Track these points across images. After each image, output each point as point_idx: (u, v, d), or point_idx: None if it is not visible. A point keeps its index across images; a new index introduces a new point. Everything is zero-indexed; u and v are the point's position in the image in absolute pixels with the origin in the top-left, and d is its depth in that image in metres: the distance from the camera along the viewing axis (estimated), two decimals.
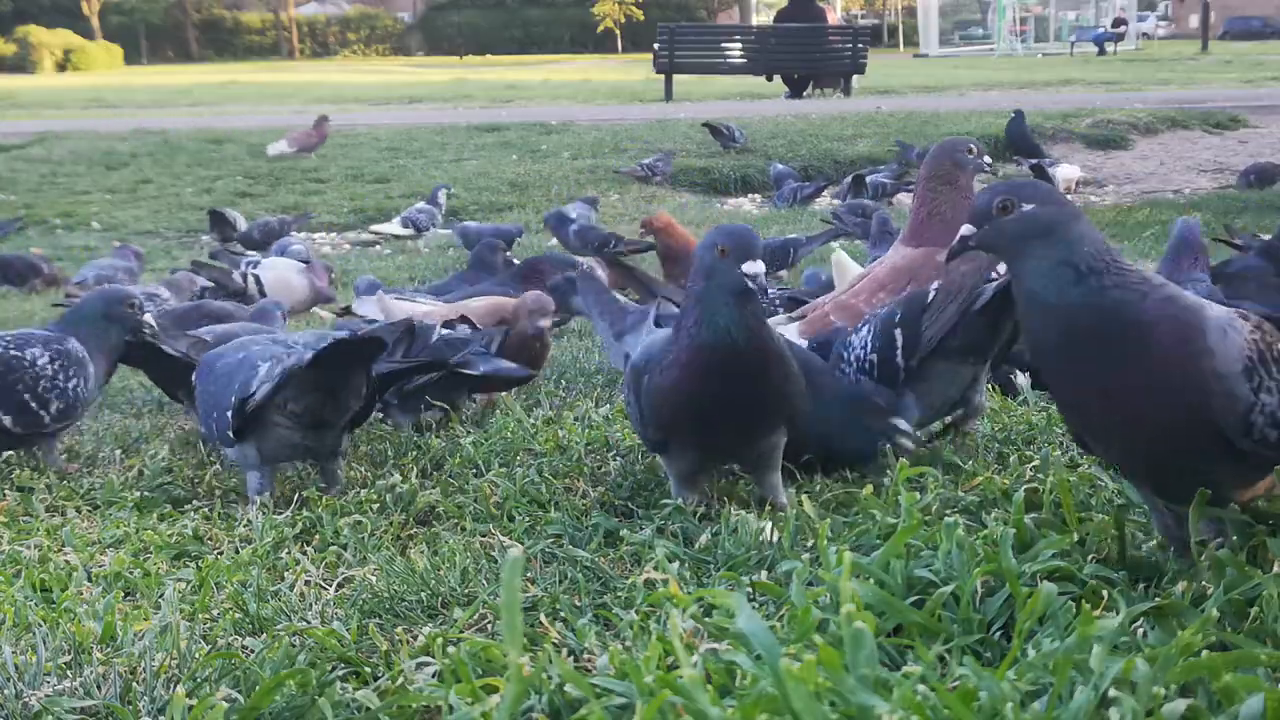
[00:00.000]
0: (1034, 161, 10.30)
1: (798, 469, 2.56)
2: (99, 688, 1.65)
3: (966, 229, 1.72)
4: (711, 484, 2.47)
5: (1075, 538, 1.81)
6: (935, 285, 2.56)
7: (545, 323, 3.32)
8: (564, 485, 2.55)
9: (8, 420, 2.97)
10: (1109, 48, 35.13)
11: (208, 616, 1.96)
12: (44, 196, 11.49)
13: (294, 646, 1.75)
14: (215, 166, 12.71)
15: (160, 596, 2.05)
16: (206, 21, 55.59)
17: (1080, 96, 18.18)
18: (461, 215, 9.87)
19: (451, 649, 1.58)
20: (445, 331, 3.35)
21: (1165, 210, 8.46)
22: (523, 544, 2.20)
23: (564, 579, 2.03)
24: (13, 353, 2.99)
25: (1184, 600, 1.58)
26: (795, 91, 19.50)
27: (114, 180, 12.25)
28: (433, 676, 1.63)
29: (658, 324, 2.92)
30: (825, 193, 10.02)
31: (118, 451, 3.24)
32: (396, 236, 9.09)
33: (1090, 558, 1.77)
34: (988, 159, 3.12)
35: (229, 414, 2.59)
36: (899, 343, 2.52)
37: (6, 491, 2.84)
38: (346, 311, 4.28)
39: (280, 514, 2.52)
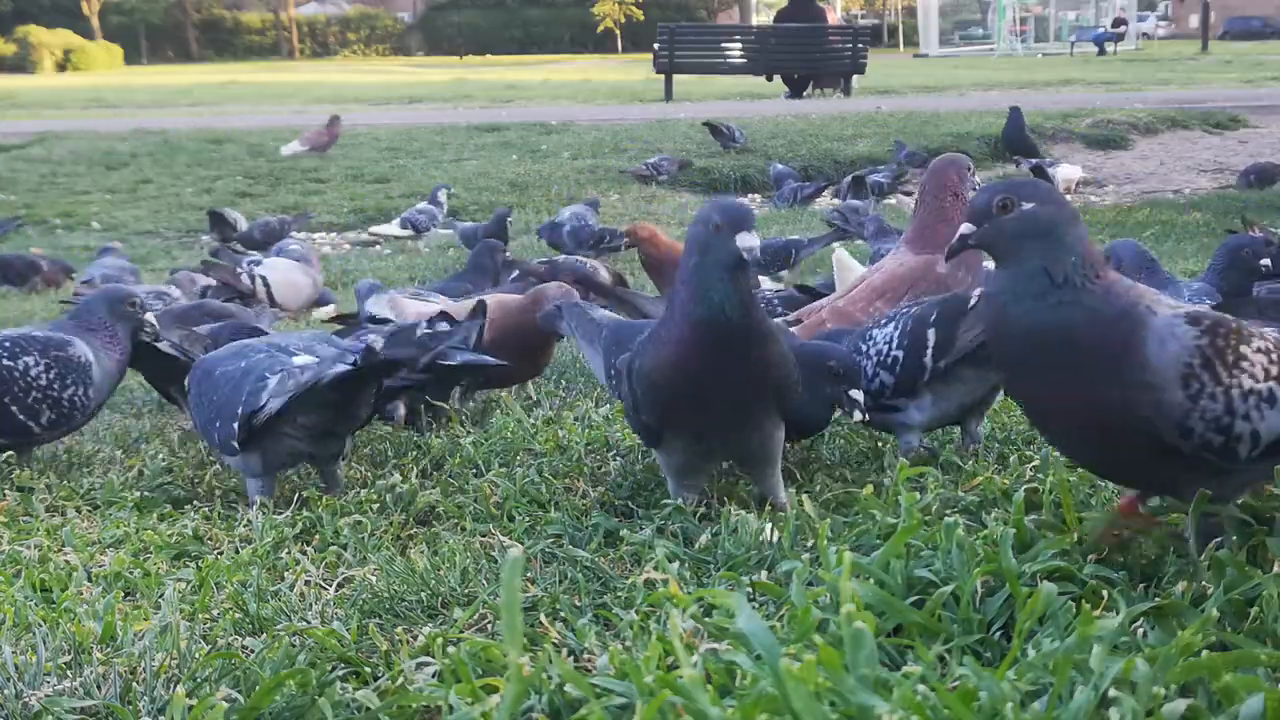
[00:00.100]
0: (1034, 162, 10.31)
1: (798, 469, 2.56)
2: (99, 688, 1.65)
3: (966, 227, 1.73)
4: (711, 484, 2.47)
5: (1075, 538, 1.81)
6: (978, 291, 2.54)
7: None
8: (564, 485, 2.55)
9: None
10: (1109, 48, 35.14)
11: (208, 616, 1.96)
12: (44, 196, 11.49)
13: (294, 646, 1.75)
14: (215, 166, 12.71)
15: (160, 596, 2.05)
16: (206, 21, 55.59)
17: (1080, 96, 18.18)
18: (461, 215, 9.87)
19: (451, 649, 1.58)
20: (426, 329, 3.36)
21: (1165, 210, 8.46)
22: (523, 544, 2.20)
23: (564, 579, 2.03)
24: (5, 363, 2.95)
25: (1184, 600, 1.58)
26: (795, 91, 19.50)
27: (114, 180, 12.25)
28: (433, 676, 1.63)
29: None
30: (825, 193, 10.02)
31: (118, 451, 3.24)
32: (396, 238, 9.10)
33: (1090, 558, 1.77)
34: (979, 180, 3.15)
35: (234, 425, 2.57)
36: (930, 342, 2.47)
37: (6, 491, 2.84)
38: (343, 318, 4.27)
39: (280, 514, 2.52)
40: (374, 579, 2.09)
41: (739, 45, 19.78)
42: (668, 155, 11.46)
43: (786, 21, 20.11)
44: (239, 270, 5.78)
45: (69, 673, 1.70)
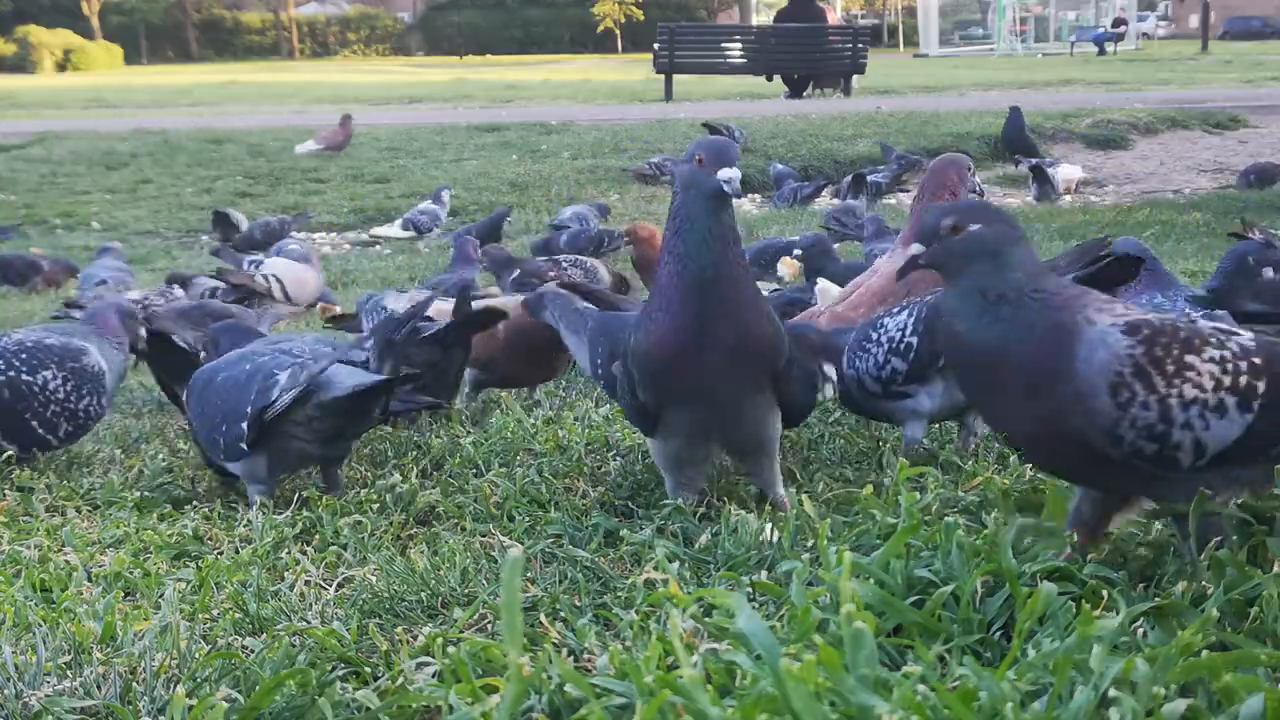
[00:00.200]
0: (1034, 161, 10.31)
1: (798, 469, 2.56)
2: (99, 688, 1.65)
3: (915, 247, 1.76)
4: (711, 484, 2.47)
5: (1075, 538, 1.81)
6: None
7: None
8: (564, 485, 2.55)
9: (13, 449, 2.99)
10: (1109, 48, 35.14)
11: (208, 616, 1.96)
12: (44, 196, 11.50)
13: (294, 646, 1.75)
14: (215, 166, 12.71)
15: (160, 596, 2.05)
16: (206, 21, 55.59)
17: (1080, 96, 18.18)
18: (462, 215, 9.87)
19: (451, 649, 1.58)
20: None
21: (1165, 210, 8.46)
22: (523, 544, 2.20)
23: (564, 579, 2.03)
24: (25, 378, 2.99)
25: (1184, 600, 1.57)
26: (795, 91, 19.50)
27: (114, 180, 12.26)
28: (433, 676, 1.63)
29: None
30: (825, 192, 10.02)
31: (118, 451, 3.24)
32: (397, 240, 9.10)
33: (1090, 558, 1.77)
34: (979, 180, 3.16)
35: (244, 425, 2.56)
36: None
37: (6, 491, 2.84)
38: (339, 318, 4.27)
39: (280, 514, 2.52)
40: (374, 579, 2.09)
41: (739, 45, 19.78)
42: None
43: (786, 21, 20.11)
44: (248, 271, 5.88)
45: (69, 673, 1.70)
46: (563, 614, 1.84)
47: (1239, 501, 1.74)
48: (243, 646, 1.82)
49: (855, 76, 19.21)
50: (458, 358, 3.23)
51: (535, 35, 51.78)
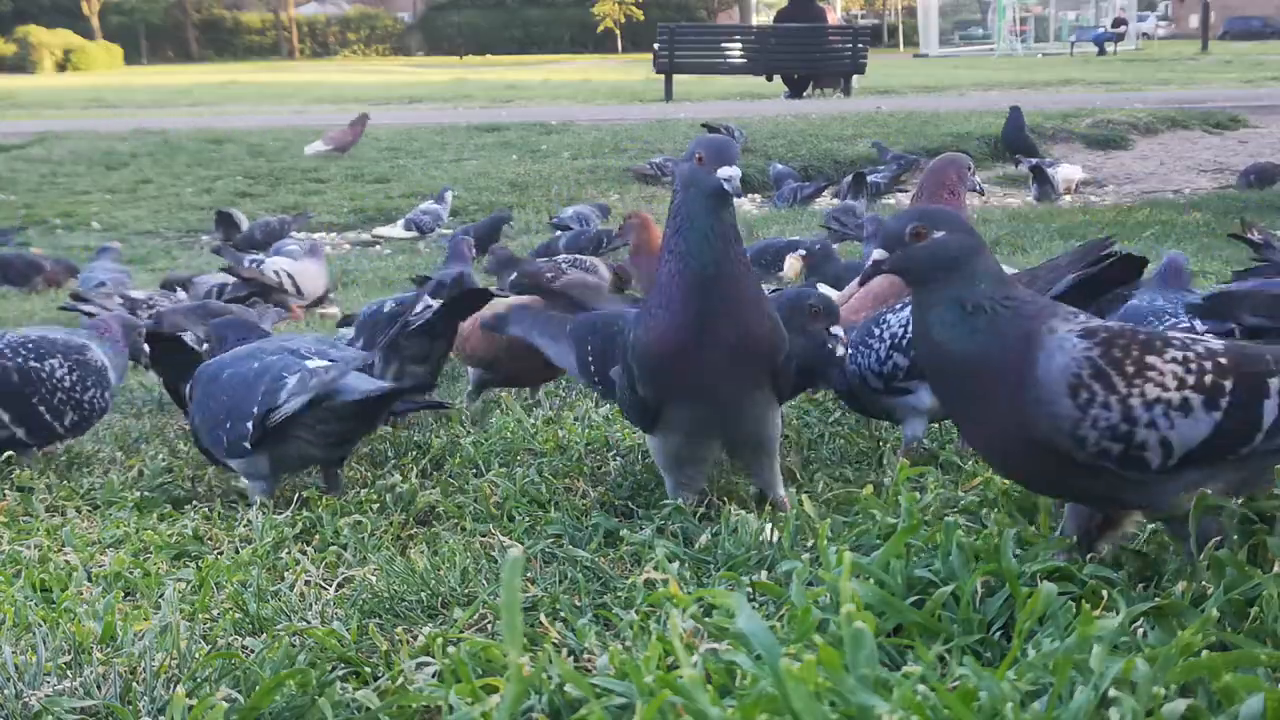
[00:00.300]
0: (1034, 161, 10.31)
1: (798, 469, 2.56)
2: (99, 688, 1.65)
3: (879, 253, 1.76)
4: (711, 484, 2.47)
5: (1075, 538, 1.81)
6: None
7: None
8: (564, 485, 2.55)
9: (21, 433, 3.02)
10: (1109, 48, 35.14)
11: (208, 616, 1.96)
12: (44, 196, 11.49)
13: (294, 646, 1.75)
14: (215, 166, 12.71)
15: (160, 596, 2.05)
16: (206, 21, 55.59)
17: (1080, 96, 18.18)
18: (462, 215, 9.87)
19: (451, 649, 1.58)
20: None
21: (1165, 210, 8.46)
22: (523, 544, 2.20)
23: (564, 579, 2.03)
24: (32, 364, 3.03)
25: (1184, 600, 1.57)
26: (795, 91, 19.50)
27: (114, 180, 12.25)
28: (433, 676, 1.63)
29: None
30: (825, 192, 10.02)
31: (118, 451, 3.24)
32: (399, 240, 9.11)
33: (1090, 558, 1.77)
34: (979, 179, 3.16)
35: (248, 424, 2.56)
36: None
37: (6, 491, 2.84)
38: (350, 320, 4.28)
39: (280, 514, 2.52)
40: (374, 579, 2.09)
41: (739, 45, 19.78)
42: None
43: (786, 21, 20.11)
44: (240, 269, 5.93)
45: (69, 673, 1.70)
46: (563, 614, 1.84)
47: (1239, 501, 1.74)
48: (243, 646, 1.82)
49: (855, 76, 19.21)
50: (440, 348, 3.25)
51: (535, 35, 51.78)
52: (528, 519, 2.35)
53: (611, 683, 1.45)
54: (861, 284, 2.09)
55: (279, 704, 1.56)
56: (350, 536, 2.35)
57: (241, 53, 53.71)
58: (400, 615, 1.95)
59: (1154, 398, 1.62)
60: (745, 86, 21.31)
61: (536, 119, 15.69)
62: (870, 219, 6.18)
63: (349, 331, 3.72)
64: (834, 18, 23.74)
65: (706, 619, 1.63)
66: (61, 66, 43.65)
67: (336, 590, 2.09)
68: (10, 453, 3.06)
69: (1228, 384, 1.63)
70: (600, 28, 50.72)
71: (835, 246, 6.01)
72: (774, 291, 4.30)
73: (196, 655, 1.73)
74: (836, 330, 2.47)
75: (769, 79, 20.21)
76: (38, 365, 3.04)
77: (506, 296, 3.41)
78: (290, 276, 5.84)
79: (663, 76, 19.07)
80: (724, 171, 2.09)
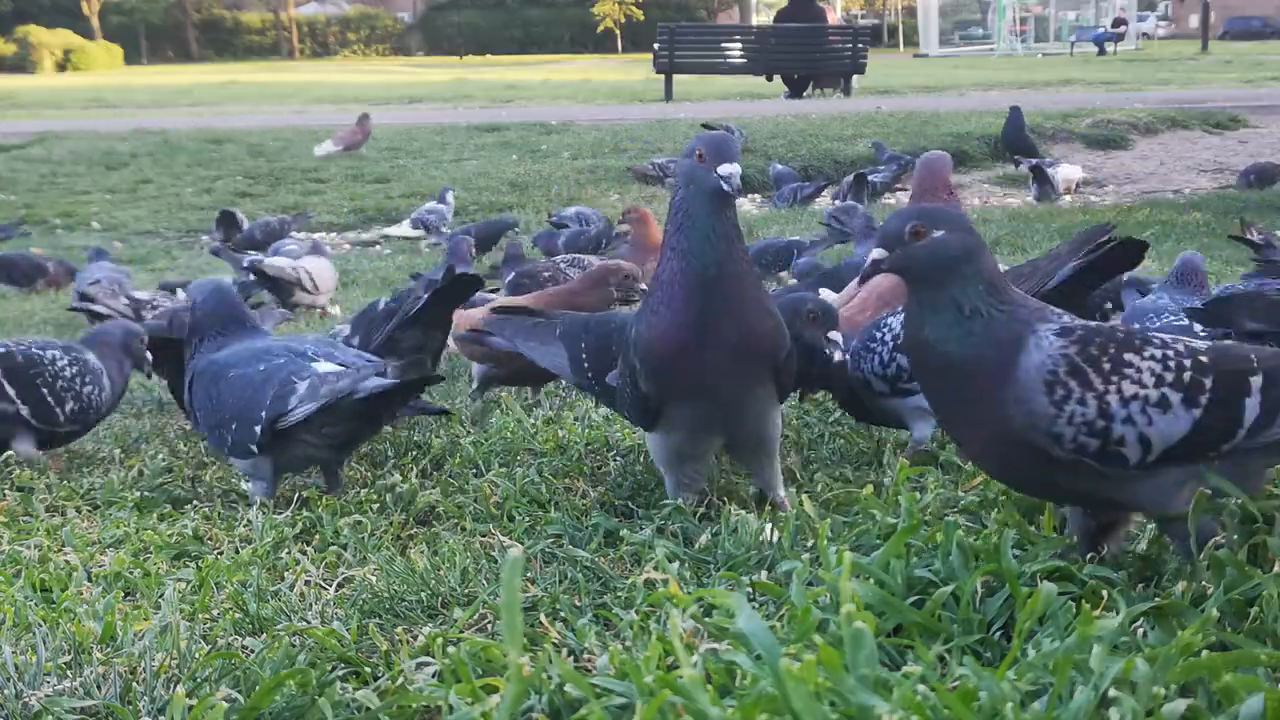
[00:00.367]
0: (1034, 161, 10.31)
1: (798, 469, 2.56)
2: (99, 688, 1.65)
3: (878, 252, 1.75)
4: (711, 484, 2.47)
5: (1075, 538, 1.81)
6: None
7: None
8: (564, 485, 2.55)
9: (25, 410, 3.08)
10: (1109, 48, 35.14)
11: (208, 616, 1.96)
12: (44, 196, 11.50)
13: (294, 646, 1.75)
14: (215, 166, 12.72)
15: (160, 596, 2.05)
16: (206, 21, 55.60)
17: (1080, 96, 18.18)
18: (462, 215, 9.88)
19: (451, 649, 1.58)
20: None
21: (1165, 210, 8.46)
22: (523, 544, 2.20)
23: (564, 579, 2.03)
24: (35, 351, 3.17)
25: (1184, 600, 1.57)
26: (795, 91, 19.50)
27: (114, 180, 12.26)
28: (433, 676, 1.63)
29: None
30: (825, 192, 10.02)
31: (118, 451, 3.24)
32: (407, 238, 9.12)
33: (1090, 557, 1.77)
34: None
35: (256, 428, 2.55)
36: None
37: (6, 491, 2.84)
38: None
39: (280, 514, 2.52)
40: (374, 579, 2.09)
41: (739, 45, 19.79)
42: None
43: (786, 21, 20.12)
44: (239, 269, 5.97)
45: (69, 673, 1.70)
46: (563, 614, 1.84)
47: (1238, 502, 1.74)
48: (243, 646, 1.82)
49: (855, 76, 19.21)
50: (437, 338, 3.25)
51: (535, 35, 51.79)
52: (528, 519, 2.35)
53: (611, 683, 1.45)
54: (861, 283, 2.09)
55: (279, 704, 1.56)
56: (350, 536, 2.35)
57: (241, 53, 53.71)
58: (400, 615, 1.95)
59: (1131, 394, 1.63)
60: (745, 86, 21.31)
61: (536, 119, 15.70)
62: (861, 216, 6.19)
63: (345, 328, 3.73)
64: (834, 18, 23.74)
65: (706, 619, 1.63)
66: (61, 66, 43.66)
67: (336, 590, 2.09)
68: (10, 453, 3.07)
69: (1208, 381, 1.64)
70: (600, 28, 50.72)
71: (836, 245, 6.01)
72: (774, 294, 4.32)
73: (196, 655, 1.73)
74: (835, 336, 2.47)
75: (769, 79, 20.21)
76: (40, 353, 3.17)
77: (498, 289, 3.41)
78: (309, 274, 5.95)
79: (663, 76, 19.07)
80: (724, 169, 2.09)
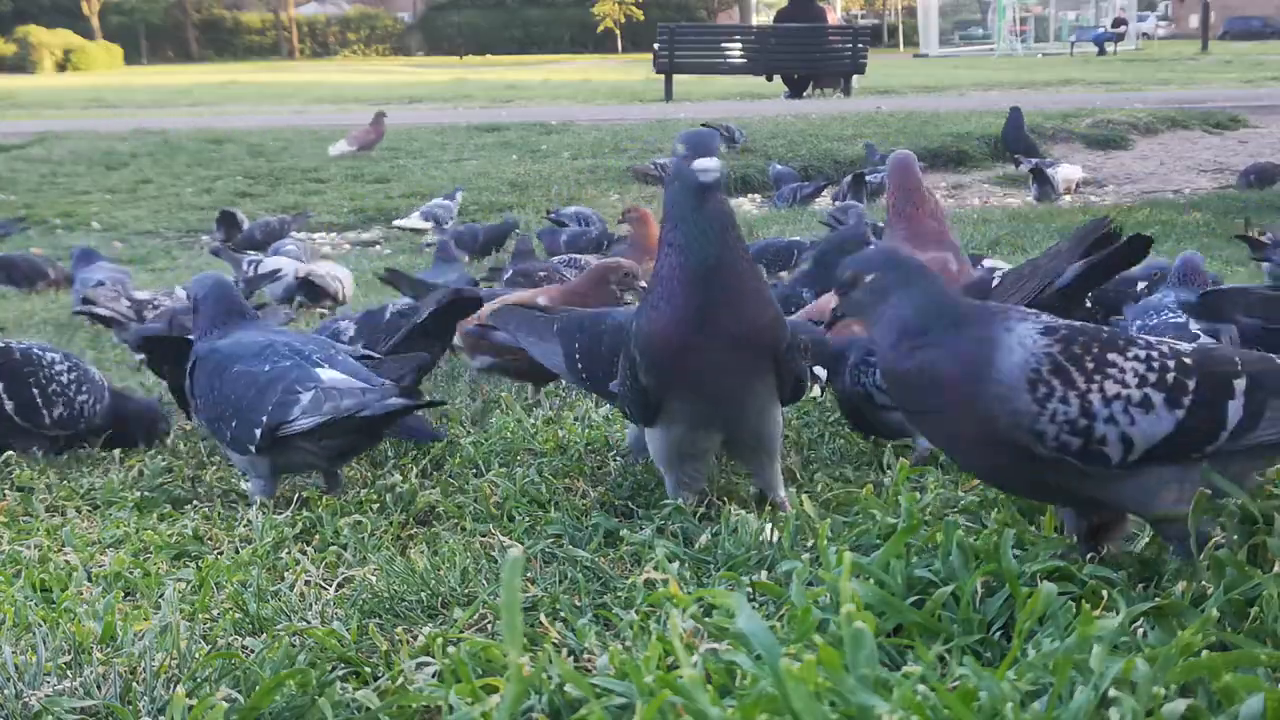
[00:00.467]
0: (1034, 161, 10.31)
1: (798, 469, 2.56)
2: (99, 688, 1.65)
3: (834, 299, 1.88)
4: (711, 484, 2.47)
5: (1074, 538, 1.81)
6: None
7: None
8: (564, 485, 2.55)
9: (10, 406, 3.09)
10: (1109, 48, 35.15)
11: (208, 616, 1.96)
12: (44, 196, 11.49)
13: (294, 646, 1.75)
14: (215, 166, 12.71)
15: (160, 596, 2.05)
16: (206, 21, 55.60)
17: (1080, 96, 18.19)
18: (462, 215, 9.88)
19: (451, 649, 1.58)
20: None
21: (1165, 210, 8.46)
22: (523, 544, 2.20)
23: (564, 579, 2.03)
24: (35, 352, 3.19)
25: (1184, 600, 1.58)
26: (795, 91, 19.51)
27: (114, 180, 12.25)
28: (433, 676, 1.63)
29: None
30: (825, 192, 10.02)
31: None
32: (417, 230, 9.14)
33: (1090, 557, 1.77)
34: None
35: (256, 431, 2.54)
36: None
37: (6, 491, 2.84)
38: None
39: (280, 514, 2.52)
40: (374, 579, 2.09)
41: (739, 45, 19.79)
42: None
43: (786, 21, 20.12)
44: (238, 269, 5.97)
45: (69, 673, 1.70)
46: (563, 614, 1.84)
47: (1239, 502, 1.74)
48: (243, 646, 1.82)
49: (855, 76, 19.22)
50: (436, 349, 3.27)
51: (535, 35, 51.79)
52: (528, 519, 2.35)
53: (611, 683, 1.45)
54: (828, 329, 2.16)
55: (279, 704, 1.56)
56: (350, 536, 2.35)
57: (241, 53, 53.71)
58: (400, 615, 1.95)
59: (1114, 394, 1.65)
60: (745, 86, 21.31)
61: (536, 119, 15.70)
62: (855, 212, 6.19)
63: (349, 325, 3.73)
64: (834, 18, 23.75)
65: (706, 619, 1.63)
66: (61, 66, 43.65)
67: (336, 590, 2.09)
68: (10, 452, 3.07)
69: (1191, 383, 1.66)
70: (600, 28, 50.73)
71: None
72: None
73: (196, 655, 1.73)
74: (819, 372, 2.54)
75: (769, 79, 20.21)
76: (40, 354, 3.19)
77: (497, 297, 3.44)
78: (343, 285, 6.03)
79: (663, 76, 19.07)
80: (700, 164, 2.12)
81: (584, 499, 2.49)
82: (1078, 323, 1.76)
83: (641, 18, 48.19)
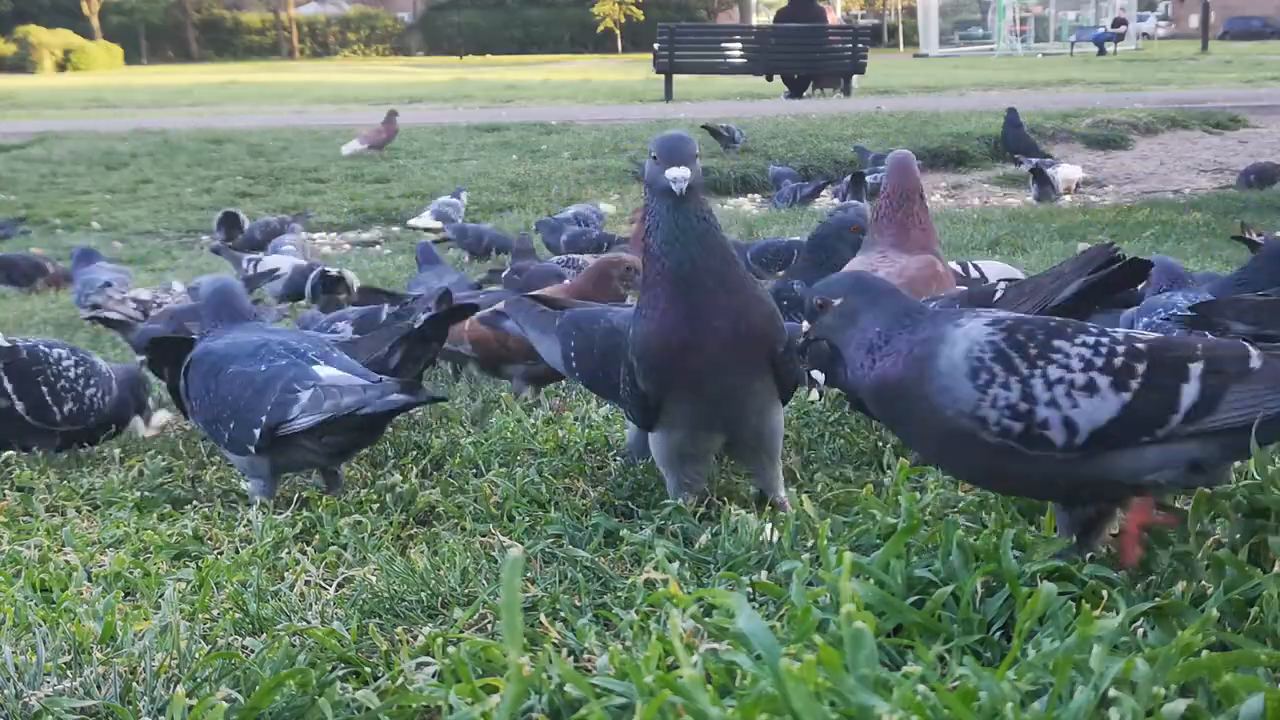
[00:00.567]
0: (1034, 161, 10.32)
1: (798, 469, 2.56)
2: (99, 688, 1.65)
3: (806, 326, 1.94)
4: (711, 484, 2.47)
5: (1074, 538, 1.81)
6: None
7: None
8: (564, 485, 2.55)
9: (21, 407, 3.10)
10: (1109, 48, 35.15)
11: (208, 616, 1.96)
12: (44, 196, 11.50)
13: (294, 646, 1.75)
14: (215, 166, 12.71)
15: (160, 596, 2.05)
16: (206, 21, 55.61)
17: (1080, 96, 18.19)
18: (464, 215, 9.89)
19: (451, 649, 1.58)
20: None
21: (1165, 210, 8.46)
22: (523, 544, 2.20)
23: (564, 579, 2.02)
24: (41, 349, 3.19)
25: (1184, 600, 1.57)
26: (795, 91, 19.51)
27: (114, 180, 12.26)
28: (433, 676, 1.63)
29: None
30: (824, 192, 10.03)
31: (117, 451, 3.24)
32: (430, 229, 9.15)
33: (1090, 557, 1.77)
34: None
35: (255, 431, 2.53)
36: None
37: (6, 491, 2.84)
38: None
39: (280, 514, 2.52)
40: (374, 579, 2.09)
41: (739, 45, 19.79)
42: None
43: (786, 21, 20.12)
44: (237, 268, 5.97)
45: (69, 673, 1.70)
46: (563, 614, 1.84)
47: (1240, 500, 1.74)
48: (243, 646, 1.82)
49: (855, 76, 19.22)
50: (432, 350, 3.27)
51: (535, 35, 51.80)
52: (528, 519, 2.35)
53: (611, 683, 1.45)
54: (800, 356, 2.19)
55: (279, 704, 1.56)
56: (350, 536, 2.35)
57: (241, 53, 53.71)
58: (400, 615, 1.95)
59: (1057, 378, 1.66)
60: (745, 86, 21.31)
61: (536, 119, 15.70)
62: (856, 210, 6.17)
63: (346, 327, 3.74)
64: (834, 18, 23.76)
65: (706, 619, 1.63)
66: (61, 66, 43.66)
67: (336, 590, 2.09)
68: (10, 452, 3.08)
69: (1140, 366, 1.66)
70: (600, 28, 50.74)
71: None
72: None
73: (196, 655, 1.73)
74: (816, 375, 2.55)
75: (769, 79, 20.21)
76: (47, 350, 3.20)
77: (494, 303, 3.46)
78: (353, 280, 6.03)
79: (663, 76, 19.07)
80: (671, 172, 2.10)
81: (584, 499, 2.49)
82: (1033, 316, 1.79)
83: (641, 18, 48.20)
